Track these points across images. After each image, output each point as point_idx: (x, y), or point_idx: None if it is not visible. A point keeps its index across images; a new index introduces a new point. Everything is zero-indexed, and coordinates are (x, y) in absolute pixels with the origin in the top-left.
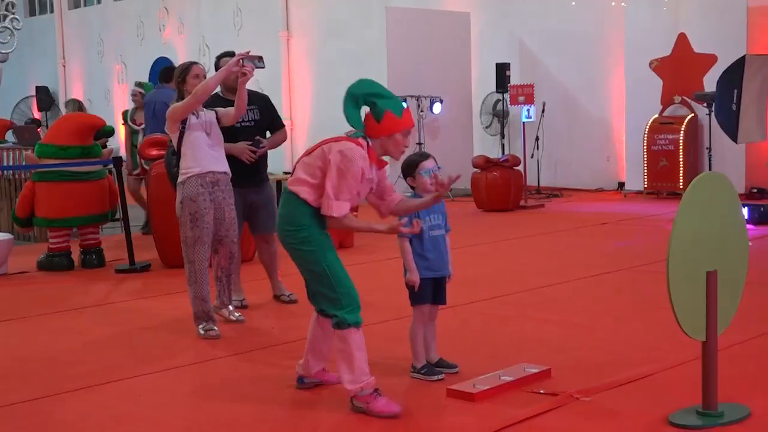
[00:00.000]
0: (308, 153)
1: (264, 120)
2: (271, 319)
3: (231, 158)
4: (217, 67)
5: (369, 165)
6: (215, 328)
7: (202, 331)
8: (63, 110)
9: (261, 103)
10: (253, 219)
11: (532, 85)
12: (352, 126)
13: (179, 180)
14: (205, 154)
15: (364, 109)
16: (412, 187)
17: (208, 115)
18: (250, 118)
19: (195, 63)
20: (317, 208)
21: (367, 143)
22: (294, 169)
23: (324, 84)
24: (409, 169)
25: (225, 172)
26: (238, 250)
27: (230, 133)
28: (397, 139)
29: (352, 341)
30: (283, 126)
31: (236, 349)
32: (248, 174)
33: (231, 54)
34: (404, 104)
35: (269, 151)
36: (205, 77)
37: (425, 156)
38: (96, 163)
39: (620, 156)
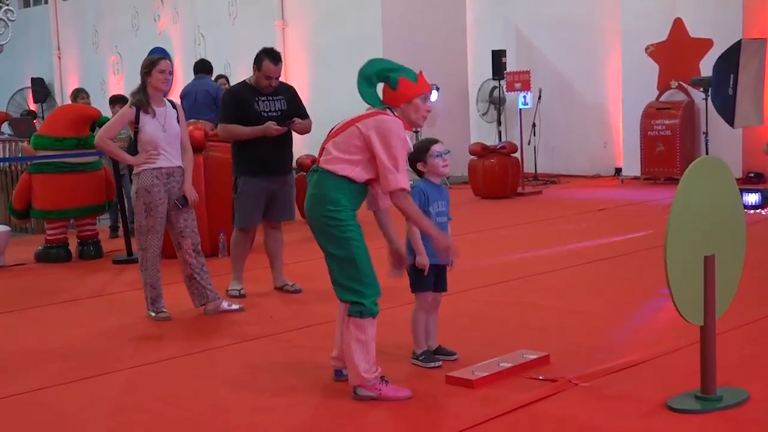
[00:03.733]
0: (338, 132)
1: (290, 110)
2: (269, 308)
3: (258, 147)
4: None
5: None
6: (165, 310)
7: (153, 314)
8: (68, 100)
9: (287, 94)
10: (268, 206)
11: (529, 72)
12: (371, 104)
13: (135, 171)
14: (159, 151)
15: (380, 87)
16: (420, 174)
17: (167, 111)
18: (276, 108)
19: (164, 58)
20: (357, 186)
21: (393, 114)
22: (322, 150)
23: (320, 73)
24: (421, 154)
25: (179, 166)
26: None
27: (256, 124)
28: (417, 105)
29: (371, 331)
30: (309, 117)
31: (235, 339)
32: (274, 163)
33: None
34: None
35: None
36: (171, 73)
37: (434, 140)
38: (92, 154)
39: (617, 142)
